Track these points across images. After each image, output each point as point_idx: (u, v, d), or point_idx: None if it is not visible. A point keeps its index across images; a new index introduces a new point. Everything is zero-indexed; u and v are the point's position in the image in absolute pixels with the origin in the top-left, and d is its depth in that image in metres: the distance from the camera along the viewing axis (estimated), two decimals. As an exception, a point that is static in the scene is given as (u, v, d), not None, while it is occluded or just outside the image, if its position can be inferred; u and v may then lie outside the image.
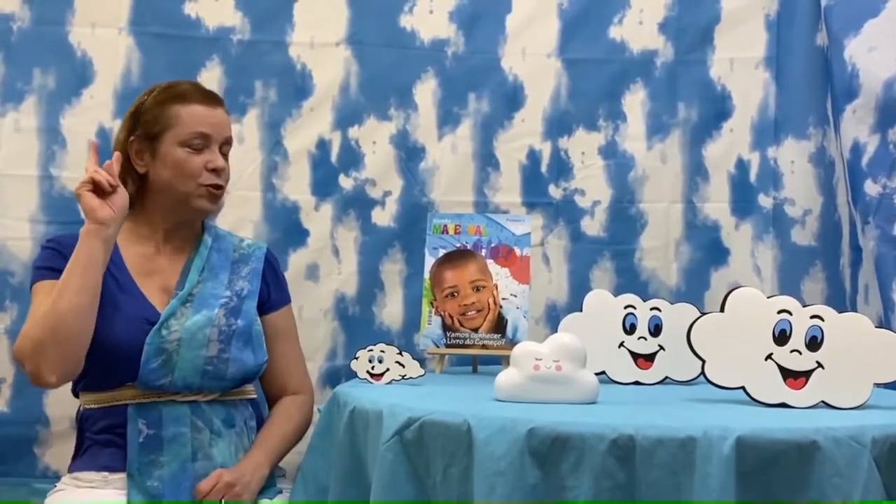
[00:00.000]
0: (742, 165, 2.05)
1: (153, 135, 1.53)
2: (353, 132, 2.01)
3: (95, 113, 1.93)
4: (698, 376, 1.48)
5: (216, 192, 1.54)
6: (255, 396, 1.60)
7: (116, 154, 1.50)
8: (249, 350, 1.54)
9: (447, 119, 2.03)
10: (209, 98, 1.56)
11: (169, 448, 1.46)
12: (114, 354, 1.45)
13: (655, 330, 1.65)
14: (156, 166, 1.53)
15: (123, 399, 1.47)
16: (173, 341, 1.47)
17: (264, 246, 1.67)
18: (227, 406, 1.53)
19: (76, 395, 1.54)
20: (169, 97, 1.54)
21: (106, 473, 1.46)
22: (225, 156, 1.57)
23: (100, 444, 1.48)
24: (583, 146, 2.05)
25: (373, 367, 1.52)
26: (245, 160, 1.96)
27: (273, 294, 1.64)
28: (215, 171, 1.53)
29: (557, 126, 2.04)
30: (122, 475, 1.45)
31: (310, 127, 2.00)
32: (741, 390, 1.38)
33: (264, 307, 1.61)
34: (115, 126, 1.95)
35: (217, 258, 1.59)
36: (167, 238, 1.56)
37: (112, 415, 1.48)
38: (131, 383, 1.47)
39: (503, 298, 1.79)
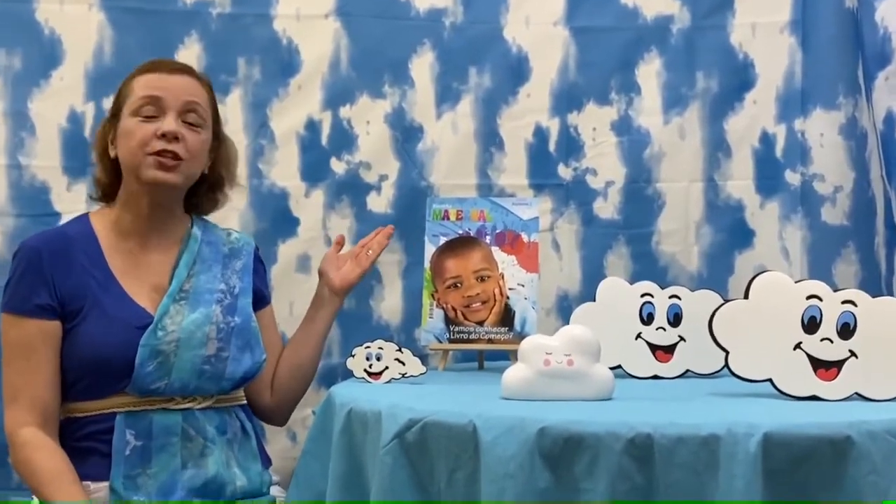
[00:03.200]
0: (767, 139, 2.05)
1: (114, 113, 1.55)
2: (345, 112, 2.01)
3: (66, 96, 1.93)
4: (722, 369, 1.47)
5: (166, 161, 1.49)
6: (245, 402, 1.61)
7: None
8: (248, 349, 1.55)
9: (446, 95, 2.03)
10: (170, 66, 1.56)
11: (157, 459, 1.46)
12: (103, 366, 1.46)
13: (675, 319, 1.65)
14: (118, 144, 1.54)
15: (114, 407, 1.48)
16: (171, 342, 1.48)
17: (251, 240, 1.68)
18: (220, 413, 1.54)
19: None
20: (134, 73, 1.55)
21: (88, 483, 1.46)
22: (194, 126, 1.52)
23: (81, 452, 1.48)
24: (594, 122, 2.04)
25: (370, 366, 1.53)
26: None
27: (264, 291, 1.67)
28: (165, 137, 1.49)
29: (566, 101, 2.04)
30: (105, 485, 1.46)
31: (298, 107, 2.00)
32: (768, 383, 1.37)
33: (256, 305, 1.62)
34: (88, 110, 1.96)
35: (208, 251, 1.59)
36: (153, 231, 1.56)
37: (98, 422, 1.48)
38: (120, 393, 1.47)
39: (510, 289, 1.80)
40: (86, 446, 1.48)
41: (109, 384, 1.47)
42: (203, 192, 1.62)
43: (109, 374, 1.46)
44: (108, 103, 1.99)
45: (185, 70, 1.57)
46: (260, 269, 1.66)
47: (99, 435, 1.47)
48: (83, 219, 1.57)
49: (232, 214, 1.96)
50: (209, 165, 1.59)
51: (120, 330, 1.47)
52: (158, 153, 1.49)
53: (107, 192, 1.58)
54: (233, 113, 1.97)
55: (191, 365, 1.49)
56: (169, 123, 1.49)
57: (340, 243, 1.77)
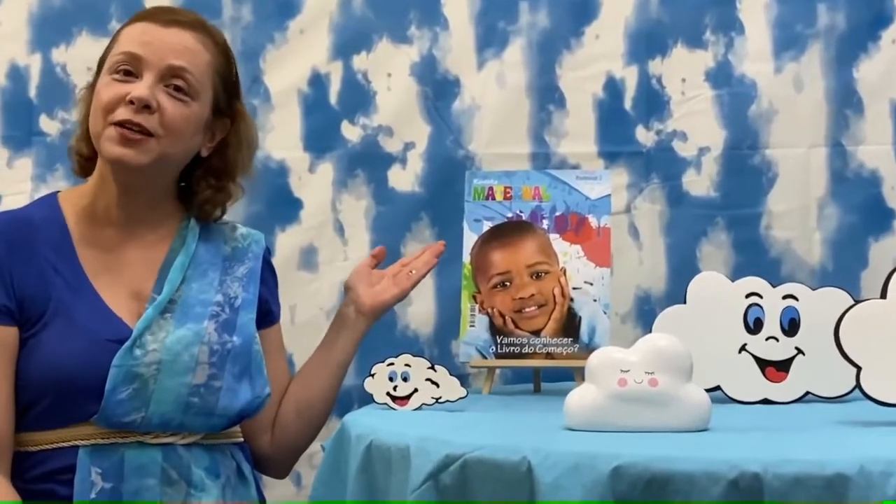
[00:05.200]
0: (911, 91, 2.03)
1: (98, 70, 1.56)
2: (360, 62, 2.02)
3: (4, 47, 1.96)
4: (852, 390, 1.47)
5: (129, 134, 1.49)
6: (242, 439, 1.62)
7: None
8: (246, 378, 1.56)
9: (490, 39, 2.04)
10: (169, 16, 1.56)
11: None
12: (66, 386, 1.47)
13: (790, 327, 1.64)
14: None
15: (73, 439, 1.49)
16: (150, 364, 1.49)
17: (261, 238, 1.68)
18: (210, 451, 1.54)
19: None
20: (128, 20, 1.57)
21: (43, 535, 1.49)
22: (178, 95, 1.52)
23: (36, 495, 1.49)
24: (683, 71, 2.04)
25: (395, 388, 1.54)
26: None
27: (272, 305, 1.67)
28: (132, 105, 1.48)
29: (646, 44, 2.04)
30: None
31: (299, 56, 2.02)
32: (914, 408, 1.37)
33: (261, 322, 1.62)
34: (33, 63, 2.00)
35: (205, 251, 1.60)
36: (132, 222, 1.57)
37: (57, 458, 1.49)
38: (88, 420, 1.49)
39: (574, 288, 1.80)
40: (42, 489, 1.49)
41: (73, 410, 1.48)
42: (200, 182, 1.60)
43: (73, 398, 1.48)
44: (58, 55, 2.03)
45: (187, 24, 1.55)
46: (269, 277, 1.67)
47: (58, 474, 1.49)
48: (51, 201, 1.58)
49: (216, 195, 1.98)
50: (213, 148, 1.59)
51: (89, 343, 1.48)
52: (121, 123, 1.50)
53: (85, 167, 1.59)
54: None
55: (174, 395, 1.50)
56: (140, 88, 1.49)
57: (379, 258, 1.76)
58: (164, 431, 1.51)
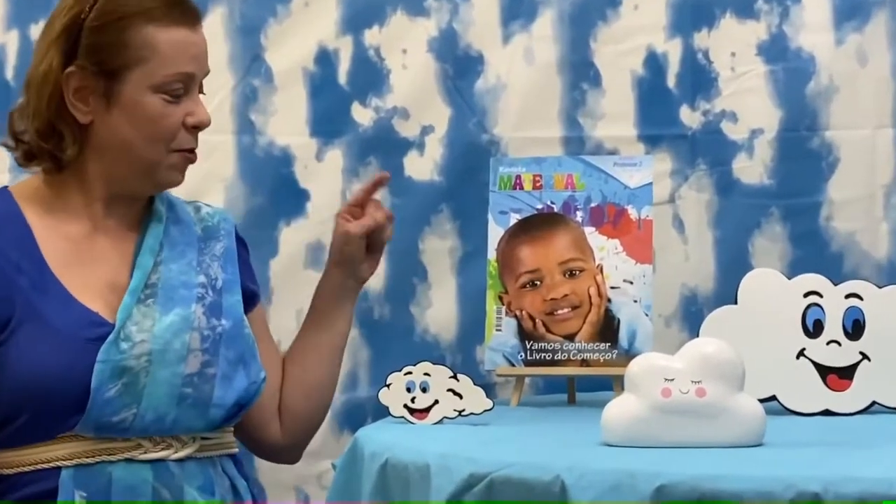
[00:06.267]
0: None
1: (111, 70, 1.55)
2: (372, 36, 2.04)
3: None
4: (923, 400, 1.49)
5: (192, 158, 1.59)
6: (237, 450, 1.65)
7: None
8: (241, 364, 1.59)
9: (516, 9, 2.04)
10: (188, 13, 1.58)
11: None
12: (45, 396, 1.49)
13: (855, 329, 1.65)
14: (111, 117, 1.55)
15: (55, 459, 1.51)
16: (140, 356, 1.51)
17: (229, 214, 1.72)
18: (203, 466, 1.57)
19: None
20: (133, 11, 1.55)
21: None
22: (201, 91, 1.61)
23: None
24: (733, 44, 2.04)
25: (413, 399, 1.55)
26: (209, 86, 1.97)
27: (251, 285, 1.70)
28: (196, 129, 1.58)
29: (691, 14, 2.04)
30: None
31: (304, 31, 2.03)
32: None
33: (244, 305, 1.65)
34: (9, 41, 2.02)
35: (178, 232, 1.63)
36: (108, 211, 1.60)
37: (36, 481, 1.51)
38: (69, 433, 1.51)
39: (612, 287, 1.81)
40: (20, 516, 1.53)
41: (53, 422, 1.51)
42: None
43: (53, 408, 1.50)
44: (37, 33, 2.05)
45: (199, 17, 1.60)
46: (244, 254, 1.70)
47: (38, 499, 1.50)
48: (3, 194, 1.61)
49: (215, 186, 2.01)
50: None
51: (65, 345, 1.50)
52: (186, 150, 1.58)
53: (31, 154, 1.58)
54: (214, 41, 1.97)
55: (167, 387, 1.52)
56: (202, 110, 1.58)
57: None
58: (154, 442, 1.53)
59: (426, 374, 1.55)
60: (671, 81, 2.05)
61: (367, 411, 1.97)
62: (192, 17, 1.58)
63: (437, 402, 1.54)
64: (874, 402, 1.65)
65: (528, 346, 1.81)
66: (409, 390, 1.55)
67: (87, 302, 1.55)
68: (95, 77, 1.54)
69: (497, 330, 1.82)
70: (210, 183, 2.00)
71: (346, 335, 1.76)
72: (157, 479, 1.53)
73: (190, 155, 1.59)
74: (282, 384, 1.72)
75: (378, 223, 1.71)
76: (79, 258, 1.57)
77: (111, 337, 1.51)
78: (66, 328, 1.52)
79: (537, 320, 1.82)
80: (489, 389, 1.60)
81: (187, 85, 1.57)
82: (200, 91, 1.60)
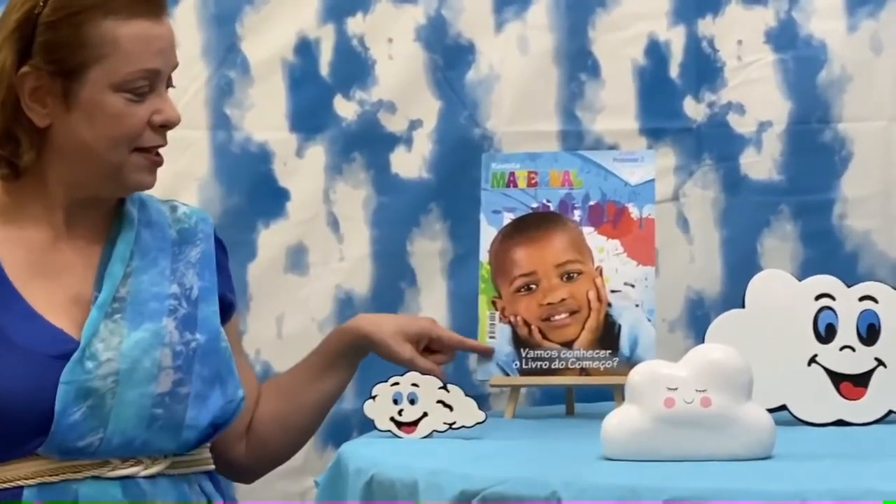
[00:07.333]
0: None
1: (69, 69, 1.54)
2: (355, 25, 2.04)
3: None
4: (943, 409, 1.49)
5: (158, 160, 1.58)
6: (213, 467, 1.64)
7: None
8: (217, 382, 1.58)
9: (509, -4, 2.05)
10: (151, 4, 1.56)
11: None
12: (5, 417, 1.48)
13: (870, 334, 1.65)
14: (70, 119, 1.54)
15: (17, 479, 1.51)
16: (107, 376, 1.51)
17: (208, 215, 1.72)
18: (177, 483, 1.57)
19: None
20: (90, 5, 1.53)
21: None
22: (168, 87, 1.60)
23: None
24: (739, 31, 2.05)
25: (401, 412, 1.55)
26: (181, 78, 1.98)
27: (228, 295, 1.69)
28: (164, 127, 1.57)
29: (695, 0, 2.04)
30: None
31: (283, 19, 2.03)
32: None
33: (221, 316, 1.65)
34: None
35: (150, 236, 1.63)
36: (72, 218, 1.59)
37: None
38: (34, 453, 1.51)
39: (613, 291, 1.81)
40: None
41: (14, 444, 1.50)
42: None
43: (14, 431, 1.50)
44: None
45: (164, 7, 1.58)
46: (223, 259, 1.70)
47: None
48: None
49: (188, 185, 2.01)
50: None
51: (27, 364, 1.50)
52: (151, 150, 1.57)
53: None
54: (185, 30, 2.00)
55: (136, 409, 1.52)
56: (170, 108, 1.57)
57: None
58: (124, 457, 1.53)
59: (414, 384, 1.55)
60: (674, 71, 2.05)
61: (352, 425, 1.98)
62: (155, 7, 1.56)
63: (426, 414, 1.54)
64: (890, 412, 1.65)
65: (524, 354, 1.81)
66: (396, 402, 1.55)
67: (50, 317, 1.54)
68: (52, 77, 1.53)
69: (490, 337, 1.82)
70: (183, 182, 2.00)
71: (346, 386, 1.77)
72: (126, 496, 1.52)
73: (156, 158, 1.58)
74: (258, 409, 1.71)
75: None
76: (42, 270, 1.57)
77: (76, 356, 1.51)
78: (28, 345, 1.51)
79: (533, 326, 1.82)
80: (482, 401, 1.60)
81: (153, 82, 1.55)
82: (169, 86, 1.59)
